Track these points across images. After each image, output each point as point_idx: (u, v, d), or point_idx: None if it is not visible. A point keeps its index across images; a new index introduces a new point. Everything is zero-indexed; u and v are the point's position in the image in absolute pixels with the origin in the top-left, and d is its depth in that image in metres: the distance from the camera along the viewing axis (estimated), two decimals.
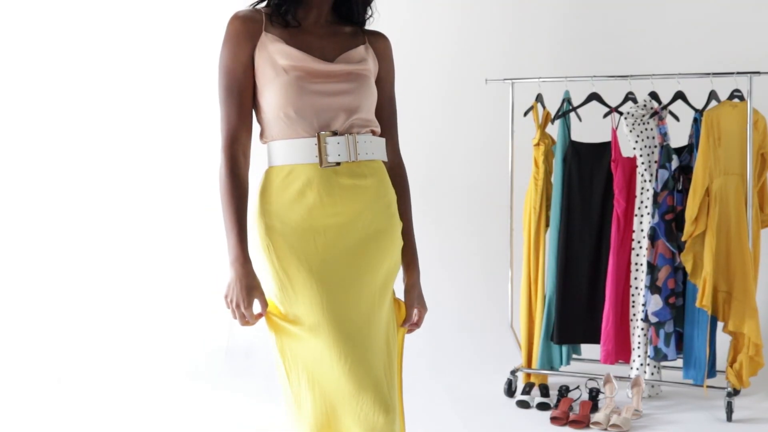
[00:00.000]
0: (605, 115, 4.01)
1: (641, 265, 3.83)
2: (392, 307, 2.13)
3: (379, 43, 2.17)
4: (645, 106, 3.83)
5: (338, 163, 2.00)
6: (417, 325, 2.20)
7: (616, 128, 3.91)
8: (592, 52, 4.73)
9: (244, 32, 2.03)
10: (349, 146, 2.00)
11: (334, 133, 2.00)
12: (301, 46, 2.03)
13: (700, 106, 3.85)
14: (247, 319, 1.98)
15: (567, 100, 4.01)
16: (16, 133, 5.12)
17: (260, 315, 2.04)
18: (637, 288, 3.85)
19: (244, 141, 2.05)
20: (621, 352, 3.91)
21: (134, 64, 5.02)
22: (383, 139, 2.13)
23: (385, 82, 2.17)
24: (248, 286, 1.98)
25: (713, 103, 3.85)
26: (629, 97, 3.93)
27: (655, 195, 3.75)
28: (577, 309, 3.96)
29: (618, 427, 3.52)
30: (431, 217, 4.88)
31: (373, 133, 2.09)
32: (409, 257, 2.19)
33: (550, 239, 4.04)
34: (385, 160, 2.13)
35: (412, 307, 2.18)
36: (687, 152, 3.81)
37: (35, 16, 5.06)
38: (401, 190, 2.17)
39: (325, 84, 2.00)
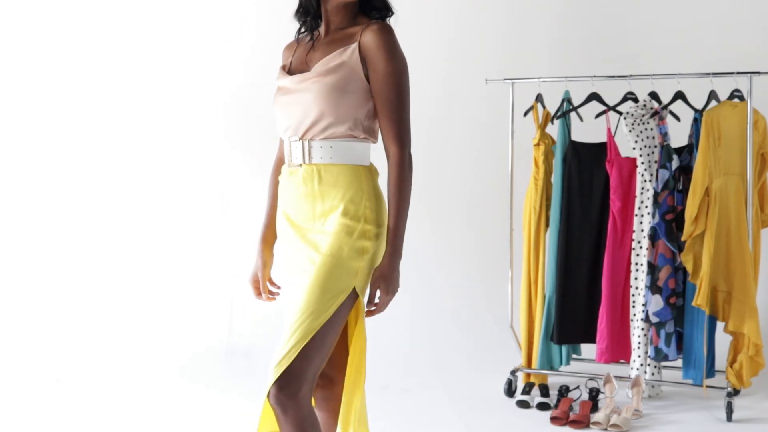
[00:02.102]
0: (597, 116, 4.01)
1: (642, 265, 3.83)
2: (320, 282, 2.14)
3: (366, 37, 2.19)
4: (645, 106, 3.83)
5: (300, 165, 2.22)
6: (378, 309, 2.21)
7: (611, 128, 3.91)
8: (592, 52, 4.72)
9: (282, 60, 2.38)
10: (304, 151, 2.21)
11: (298, 139, 2.22)
12: (294, 63, 2.29)
13: (700, 106, 3.85)
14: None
15: (567, 100, 4.01)
16: (19, 132, 5.12)
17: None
18: (637, 288, 3.85)
19: (281, 146, 2.40)
20: (616, 350, 3.91)
21: (151, 68, 5.01)
22: (355, 143, 2.21)
23: (374, 74, 2.18)
24: (261, 262, 2.43)
25: (713, 103, 3.85)
26: (629, 97, 3.93)
27: (656, 195, 3.75)
28: (577, 309, 3.96)
29: (618, 427, 3.52)
30: (431, 217, 4.88)
31: (353, 137, 2.18)
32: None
33: (550, 239, 4.04)
34: (360, 163, 2.22)
35: (373, 286, 2.21)
36: (687, 152, 3.81)
37: (44, 20, 5.06)
38: (390, 186, 2.20)
39: (288, 96, 2.23)
